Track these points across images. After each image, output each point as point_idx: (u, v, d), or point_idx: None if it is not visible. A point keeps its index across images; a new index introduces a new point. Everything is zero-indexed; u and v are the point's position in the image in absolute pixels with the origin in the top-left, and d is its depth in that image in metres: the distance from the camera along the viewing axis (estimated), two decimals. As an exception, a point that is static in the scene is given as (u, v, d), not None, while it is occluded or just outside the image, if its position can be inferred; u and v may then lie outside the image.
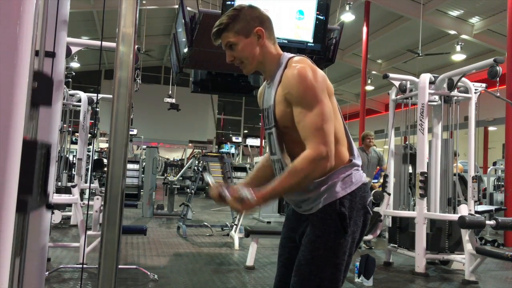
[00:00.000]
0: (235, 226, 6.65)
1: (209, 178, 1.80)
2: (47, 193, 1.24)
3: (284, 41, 4.16)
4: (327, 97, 1.59)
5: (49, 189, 1.28)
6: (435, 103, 5.60)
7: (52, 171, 1.79)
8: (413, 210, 5.46)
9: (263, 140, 23.65)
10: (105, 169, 1.75)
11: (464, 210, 4.93)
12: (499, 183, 10.85)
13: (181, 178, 11.23)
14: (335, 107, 1.66)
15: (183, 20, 4.32)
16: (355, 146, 1.72)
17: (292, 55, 1.70)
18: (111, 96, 1.74)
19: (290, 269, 1.67)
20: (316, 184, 1.62)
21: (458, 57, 16.64)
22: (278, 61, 1.69)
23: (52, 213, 4.13)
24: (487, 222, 4.82)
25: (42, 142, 1.13)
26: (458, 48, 15.62)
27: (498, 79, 4.73)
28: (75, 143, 8.28)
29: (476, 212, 5.03)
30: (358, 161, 1.69)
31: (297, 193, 1.69)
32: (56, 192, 5.74)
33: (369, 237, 6.08)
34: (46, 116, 2.04)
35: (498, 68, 4.65)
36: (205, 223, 7.89)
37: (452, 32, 16.16)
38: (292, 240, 1.76)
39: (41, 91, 1.13)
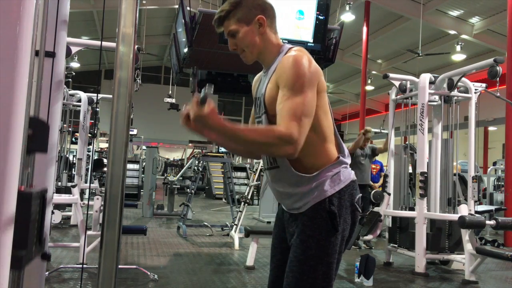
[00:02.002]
0: (235, 226, 6.64)
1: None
2: (42, 241, 1.20)
3: (284, 41, 4.15)
4: (314, 91, 1.56)
5: (45, 234, 1.24)
6: (435, 103, 5.60)
7: (48, 215, 1.76)
8: (413, 210, 5.46)
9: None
10: (105, 169, 1.74)
11: (464, 210, 4.93)
12: (499, 183, 10.85)
13: (181, 178, 11.23)
14: (325, 104, 1.64)
15: (183, 20, 4.32)
16: (343, 144, 1.71)
17: (293, 45, 1.70)
18: (111, 96, 1.74)
19: (283, 269, 1.67)
20: (303, 180, 1.61)
21: (458, 57, 16.64)
22: (278, 51, 1.69)
23: (52, 213, 4.13)
24: (487, 222, 4.82)
25: (37, 190, 1.10)
26: (458, 48, 15.63)
27: (498, 79, 4.73)
28: (75, 143, 8.28)
29: (476, 212, 5.02)
30: (346, 159, 1.68)
31: (282, 185, 1.68)
32: (56, 192, 5.73)
33: (369, 237, 6.07)
34: (46, 116, 2.03)
35: (498, 68, 4.65)
36: (205, 223, 7.89)
37: (452, 32, 16.16)
38: (284, 240, 1.75)
39: (37, 138, 1.09)
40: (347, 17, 13.78)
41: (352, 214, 1.64)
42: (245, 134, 1.50)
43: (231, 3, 1.65)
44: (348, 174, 1.66)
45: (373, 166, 8.09)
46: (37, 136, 1.09)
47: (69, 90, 7.19)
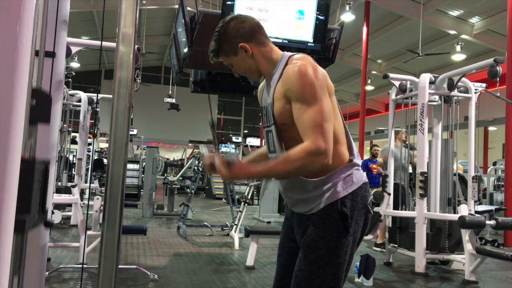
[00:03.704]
0: (235, 226, 6.64)
1: (203, 149, 1.83)
2: (45, 210, 1.23)
3: (284, 41, 4.16)
4: (327, 96, 1.59)
5: (47, 205, 1.28)
6: (435, 103, 5.60)
7: (50, 187, 1.78)
8: (413, 210, 5.46)
9: (263, 140, 23.61)
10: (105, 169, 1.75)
11: (464, 210, 4.93)
12: (499, 183, 10.85)
13: (181, 178, 11.23)
14: (335, 106, 1.66)
15: (183, 20, 4.32)
16: (355, 145, 1.72)
17: (293, 53, 1.72)
18: (111, 96, 1.74)
19: (290, 269, 1.67)
20: (317, 184, 1.61)
21: (458, 57, 16.64)
22: (276, 61, 1.71)
23: (52, 213, 4.13)
24: (487, 222, 4.82)
25: (40, 159, 1.12)
26: (458, 48, 15.63)
27: (498, 79, 4.72)
28: (75, 143, 8.28)
29: (476, 212, 5.03)
30: (358, 160, 1.69)
31: (294, 192, 1.69)
32: (56, 192, 5.74)
33: (369, 237, 6.07)
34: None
35: (498, 68, 4.65)
36: (205, 223, 7.89)
37: (452, 32, 16.16)
38: (292, 240, 1.76)
39: (40, 108, 1.13)
40: (347, 17, 13.79)
41: (364, 216, 1.66)
42: (278, 169, 1.57)
43: (215, 41, 1.73)
44: (360, 176, 1.67)
45: (374, 166, 8.10)
46: (39, 106, 1.12)
47: (69, 90, 7.19)
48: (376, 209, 5.73)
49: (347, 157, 1.67)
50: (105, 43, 3.57)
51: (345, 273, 1.63)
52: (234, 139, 24.47)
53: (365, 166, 8.21)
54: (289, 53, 1.72)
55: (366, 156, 19.68)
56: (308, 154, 1.51)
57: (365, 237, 6.02)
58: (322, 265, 1.58)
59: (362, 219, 1.65)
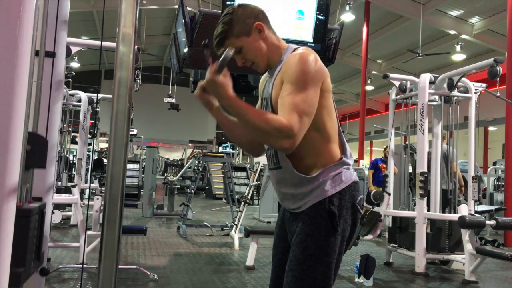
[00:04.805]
0: (235, 226, 6.65)
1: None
2: (41, 256, 1.19)
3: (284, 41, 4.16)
4: (317, 90, 1.57)
5: (44, 248, 1.23)
6: (435, 103, 5.60)
7: (47, 230, 1.73)
8: (413, 210, 5.46)
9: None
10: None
11: (464, 210, 4.93)
12: (499, 183, 10.85)
13: (181, 178, 11.23)
14: (330, 104, 1.65)
15: (183, 20, 4.32)
16: (348, 145, 1.72)
17: (298, 46, 1.70)
18: (111, 96, 1.74)
19: (284, 269, 1.67)
20: (306, 180, 1.61)
21: (458, 57, 16.65)
22: (283, 50, 1.70)
23: (52, 213, 4.13)
24: (487, 222, 4.82)
25: (36, 206, 1.09)
26: (458, 48, 15.64)
27: (498, 79, 4.73)
28: (75, 143, 8.28)
29: (476, 212, 5.03)
30: (349, 160, 1.69)
31: (284, 185, 1.68)
32: (56, 192, 5.74)
33: (369, 237, 6.07)
34: (46, 116, 2.03)
35: (498, 68, 4.65)
36: (205, 223, 7.89)
37: (452, 32, 16.17)
38: (284, 240, 1.76)
39: (35, 154, 1.09)
40: (347, 17, 13.80)
41: (353, 215, 1.65)
42: (249, 115, 1.51)
43: (224, 23, 1.66)
44: (349, 175, 1.66)
45: (384, 166, 8.13)
46: (35, 152, 1.08)
47: (69, 90, 7.19)
48: (376, 209, 5.73)
49: (338, 156, 1.66)
50: (105, 43, 3.57)
51: (334, 272, 1.63)
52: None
53: (375, 165, 8.26)
54: (295, 45, 1.70)
55: (367, 156, 19.69)
56: (278, 127, 1.48)
57: (365, 237, 6.04)
58: (312, 264, 1.58)
59: (351, 218, 1.64)
